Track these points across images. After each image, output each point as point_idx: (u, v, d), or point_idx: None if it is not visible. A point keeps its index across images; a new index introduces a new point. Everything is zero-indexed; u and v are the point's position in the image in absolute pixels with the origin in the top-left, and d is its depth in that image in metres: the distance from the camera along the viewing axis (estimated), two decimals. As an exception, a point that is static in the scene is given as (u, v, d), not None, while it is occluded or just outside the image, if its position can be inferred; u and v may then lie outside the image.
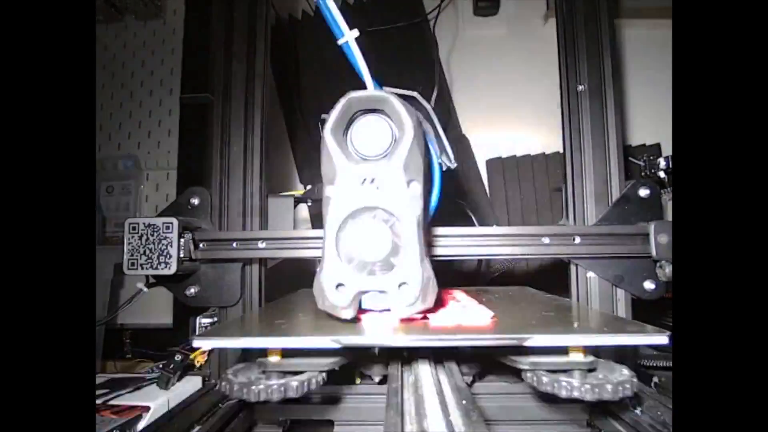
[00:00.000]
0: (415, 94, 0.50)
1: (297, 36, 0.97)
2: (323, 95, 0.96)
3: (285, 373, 0.34)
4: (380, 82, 0.41)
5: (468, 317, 0.37)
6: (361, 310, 0.35)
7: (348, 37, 0.40)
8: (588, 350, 0.34)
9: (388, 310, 0.34)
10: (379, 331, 0.34)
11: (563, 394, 0.31)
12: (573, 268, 0.54)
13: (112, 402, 0.48)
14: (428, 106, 0.49)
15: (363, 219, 0.33)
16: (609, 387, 0.31)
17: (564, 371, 0.33)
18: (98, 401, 0.47)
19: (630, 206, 0.53)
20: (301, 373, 0.34)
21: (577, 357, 0.33)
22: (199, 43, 0.93)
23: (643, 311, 0.53)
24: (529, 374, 0.34)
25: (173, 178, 1.02)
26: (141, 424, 0.45)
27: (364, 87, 0.36)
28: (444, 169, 0.45)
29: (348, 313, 0.33)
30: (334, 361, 0.35)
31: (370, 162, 0.34)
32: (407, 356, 0.41)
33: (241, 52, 0.57)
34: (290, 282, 0.92)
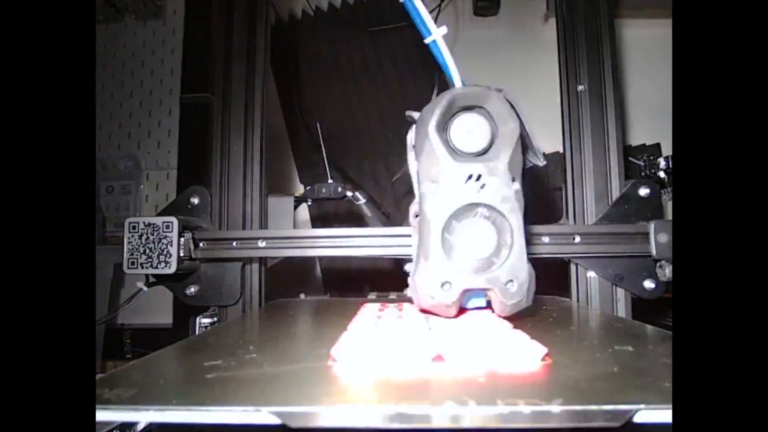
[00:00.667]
0: (503, 89, 0.50)
1: (297, 36, 0.97)
2: (323, 95, 0.96)
3: None
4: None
5: (507, 356, 0.26)
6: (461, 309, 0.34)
7: (436, 35, 0.40)
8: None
9: (484, 307, 0.34)
10: (361, 398, 0.21)
11: None
12: (573, 267, 0.54)
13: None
14: (515, 102, 0.49)
15: (468, 216, 0.33)
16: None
17: None
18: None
19: (630, 205, 0.53)
20: None
21: None
22: (199, 43, 0.93)
23: (643, 311, 0.54)
24: None
25: (173, 178, 1.02)
26: (141, 424, 0.44)
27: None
28: (530, 166, 0.45)
29: (452, 311, 0.33)
30: None
31: (474, 160, 0.34)
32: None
33: (241, 52, 0.57)
34: (290, 281, 0.92)
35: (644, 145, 0.95)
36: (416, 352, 0.26)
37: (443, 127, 0.34)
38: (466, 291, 0.32)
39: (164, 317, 0.92)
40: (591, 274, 0.53)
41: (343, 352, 0.26)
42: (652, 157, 0.78)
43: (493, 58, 1.02)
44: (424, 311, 0.35)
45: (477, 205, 0.33)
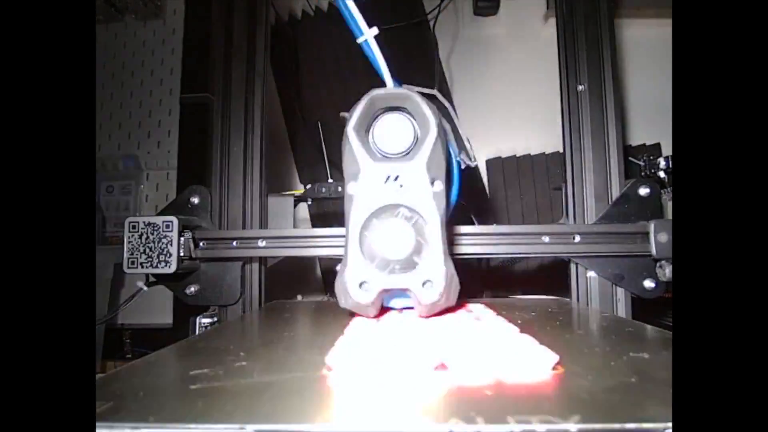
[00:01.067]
0: (434, 92, 0.50)
1: (297, 36, 0.97)
2: (323, 95, 0.96)
3: None
4: (399, 82, 0.41)
5: (515, 365, 0.24)
6: (383, 309, 0.34)
7: (368, 35, 0.40)
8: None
9: (411, 308, 0.34)
10: (358, 414, 0.19)
11: None
12: (573, 267, 0.54)
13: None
14: (447, 104, 0.49)
15: (387, 217, 0.33)
16: None
17: None
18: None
19: (630, 205, 0.53)
20: None
21: None
22: (199, 43, 0.93)
23: (643, 311, 0.53)
24: None
25: (173, 178, 1.02)
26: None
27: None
28: (463, 167, 0.45)
29: (371, 311, 0.33)
30: None
31: (393, 160, 0.34)
32: None
33: (241, 52, 0.57)
34: (290, 282, 0.92)
35: (644, 145, 0.95)
36: (417, 361, 0.24)
37: (366, 128, 0.34)
38: (384, 291, 0.32)
39: (164, 317, 0.92)
40: (591, 274, 0.53)
41: (339, 360, 0.25)
42: (652, 157, 0.78)
43: (493, 58, 1.02)
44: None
45: (396, 206, 0.33)
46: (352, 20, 0.40)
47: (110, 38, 1.08)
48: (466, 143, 0.48)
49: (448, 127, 0.46)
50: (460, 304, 0.40)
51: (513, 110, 1.00)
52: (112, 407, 0.21)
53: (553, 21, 0.63)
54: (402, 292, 0.33)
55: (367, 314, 0.33)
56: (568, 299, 0.55)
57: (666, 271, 0.49)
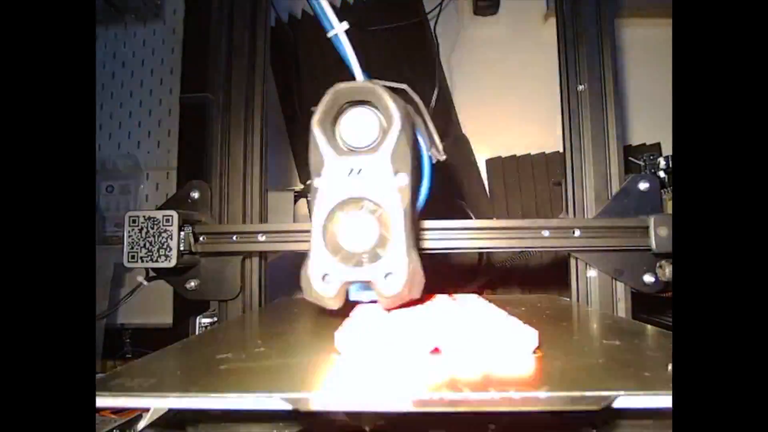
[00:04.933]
0: (404, 86, 0.50)
1: (297, 36, 0.97)
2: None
3: None
4: (375, 77, 0.41)
5: (499, 350, 0.27)
6: (351, 302, 0.35)
7: (338, 29, 0.40)
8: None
9: (376, 301, 0.34)
10: (362, 386, 0.23)
11: None
12: (573, 263, 0.54)
13: (112, 402, 0.48)
14: (418, 99, 0.49)
15: (349, 210, 0.33)
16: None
17: None
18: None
19: (630, 200, 0.53)
20: None
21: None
22: (199, 43, 0.93)
23: (643, 310, 0.54)
24: None
25: (173, 178, 1.01)
26: (141, 424, 0.45)
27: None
28: (434, 161, 0.45)
29: (335, 304, 0.33)
30: (296, 425, 0.27)
31: (358, 153, 0.34)
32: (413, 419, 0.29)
33: (241, 52, 0.57)
34: (290, 277, 0.92)
35: (644, 144, 0.95)
36: (414, 345, 0.27)
37: (331, 123, 0.34)
38: (347, 284, 0.33)
39: (164, 317, 0.92)
40: (591, 273, 0.53)
41: (346, 345, 0.28)
42: (652, 157, 0.78)
43: (493, 57, 1.02)
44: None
45: (360, 199, 0.33)
46: (323, 15, 0.40)
47: (110, 37, 1.08)
48: (436, 138, 0.48)
49: (419, 120, 0.46)
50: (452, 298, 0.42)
51: (513, 110, 1.00)
52: (156, 383, 0.24)
53: (553, 21, 0.62)
54: (368, 285, 0.33)
55: (330, 307, 0.33)
56: (557, 296, 0.56)
57: (666, 271, 0.50)
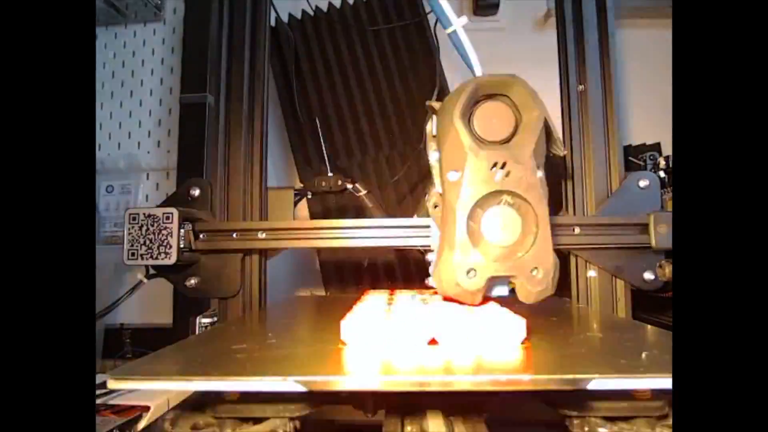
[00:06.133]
0: (519, 78, 0.50)
1: (297, 36, 0.97)
2: (324, 95, 0.96)
3: (242, 420, 0.29)
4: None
5: (490, 341, 0.29)
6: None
7: (456, 25, 0.40)
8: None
9: (507, 295, 0.34)
10: (365, 369, 0.26)
11: None
12: (573, 262, 0.54)
13: (112, 402, 0.48)
14: (535, 93, 0.49)
15: (494, 204, 0.33)
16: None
17: (626, 419, 0.28)
18: (98, 401, 0.47)
19: (629, 197, 0.53)
20: (263, 420, 0.29)
21: (644, 400, 0.28)
22: (199, 43, 0.93)
23: (643, 310, 0.53)
24: (576, 422, 0.28)
25: (173, 178, 1.01)
26: (141, 424, 0.44)
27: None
28: (552, 156, 0.45)
29: (477, 299, 0.33)
30: (303, 408, 0.29)
31: (497, 147, 0.34)
32: (411, 402, 0.33)
33: (241, 52, 0.57)
34: (291, 276, 0.92)
35: (644, 144, 0.95)
36: (414, 337, 0.29)
37: (467, 116, 0.34)
38: (491, 278, 0.32)
39: (164, 317, 0.92)
40: (591, 273, 0.53)
41: (351, 337, 0.30)
42: (652, 157, 0.78)
43: (493, 57, 1.02)
44: (447, 298, 0.36)
45: (501, 192, 0.33)
46: (440, 12, 0.40)
47: (110, 37, 1.08)
48: (557, 133, 0.48)
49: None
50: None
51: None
52: (182, 368, 0.27)
53: (553, 21, 0.62)
54: (503, 281, 0.33)
55: (472, 302, 0.33)
56: (563, 298, 0.56)
57: (666, 271, 0.50)
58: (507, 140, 0.34)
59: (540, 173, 0.33)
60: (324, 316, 0.48)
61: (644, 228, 0.50)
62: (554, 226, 0.50)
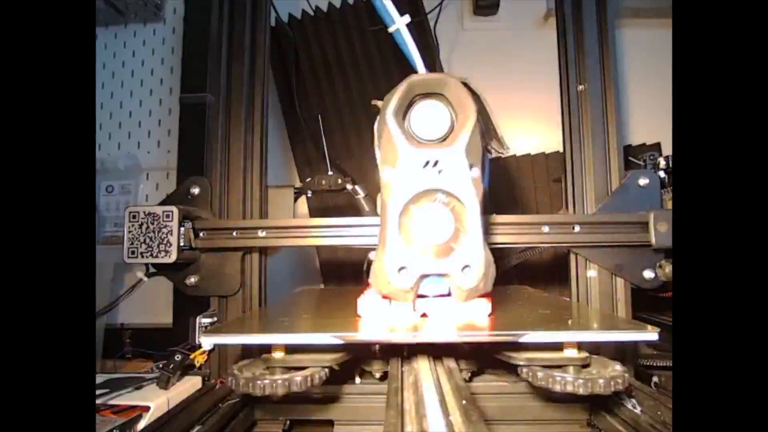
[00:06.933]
0: (466, 79, 0.50)
1: (297, 36, 0.97)
2: (324, 95, 0.96)
3: (288, 369, 0.35)
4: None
5: (466, 315, 0.37)
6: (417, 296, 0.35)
7: (399, 24, 0.40)
8: (585, 348, 0.34)
9: (446, 294, 0.35)
10: (378, 328, 0.36)
11: (557, 388, 0.32)
12: (573, 260, 0.54)
13: (112, 402, 0.48)
14: (479, 92, 0.49)
15: (426, 202, 0.33)
16: (601, 381, 0.31)
17: (559, 367, 0.33)
18: (98, 401, 0.47)
19: (629, 195, 0.53)
20: (304, 368, 0.35)
21: (571, 353, 0.34)
22: (199, 43, 0.92)
23: (643, 309, 0.53)
24: (524, 370, 0.34)
25: (173, 178, 1.01)
26: (141, 424, 0.44)
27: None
28: (493, 155, 0.45)
29: (410, 296, 0.34)
30: (336, 357, 0.36)
31: (431, 146, 0.34)
32: (407, 353, 0.41)
33: (241, 52, 0.57)
34: (291, 274, 0.92)
35: (644, 144, 0.95)
36: (410, 312, 0.37)
37: (403, 114, 0.34)
38: (423, 276, 0.33)
39: (164, 317, 0.92)
40: (591, 273, 0.53)
41: (365, 310, 0.38)
42: (652, 157, 0.78)
43: (493, 58, 1.02)
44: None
45: (436, 191, 0.33)
46: (383, 9, 0.40)
47: (110, 37, 1.08)
48: (498, 131, 0.48)
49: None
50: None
51: (513, 110, 1.00)
52: (246, 329, 0.39)
53: (553, 21, 0.63)
54: (438, 279, 0.34)
55: (405, 300, 0.35)
56: (525, 287, 0.62)
57: (666, 270, 0.49)
58: (443, 139, 0.34)
59: (475, 172, 0.34)
60: (339, 301, 0.55)
61: (644, 226, 0.50)
62: (553, 224, 0.51)
